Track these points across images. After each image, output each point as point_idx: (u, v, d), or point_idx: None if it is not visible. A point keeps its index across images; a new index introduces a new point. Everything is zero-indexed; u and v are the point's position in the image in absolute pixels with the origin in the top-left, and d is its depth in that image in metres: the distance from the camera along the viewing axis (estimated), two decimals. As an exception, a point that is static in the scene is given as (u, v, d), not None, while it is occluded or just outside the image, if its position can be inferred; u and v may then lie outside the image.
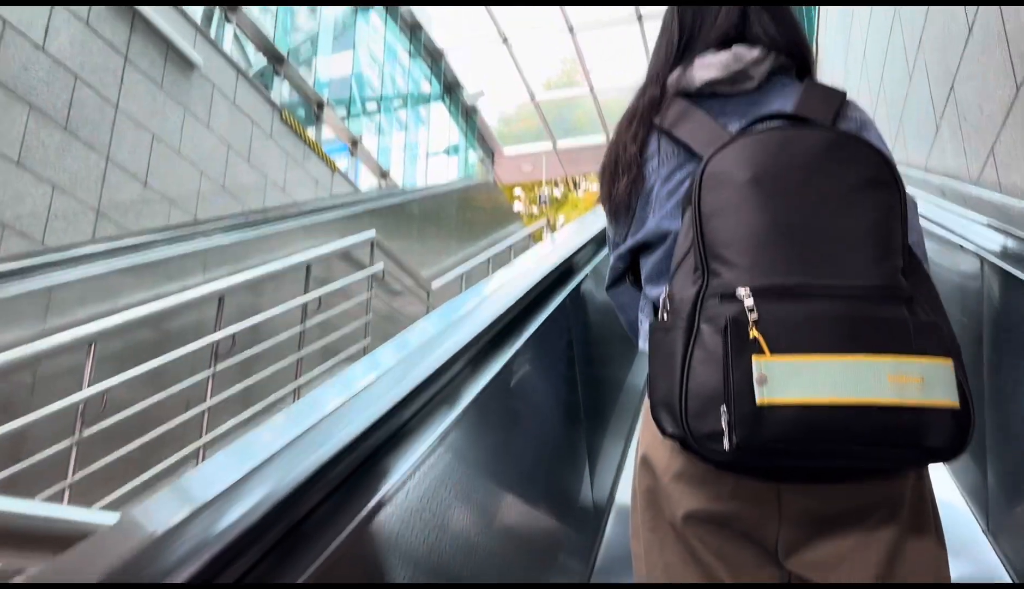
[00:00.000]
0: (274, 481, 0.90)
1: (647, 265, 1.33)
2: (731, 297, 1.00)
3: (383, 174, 11.16)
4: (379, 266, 6.15)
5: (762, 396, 0.92)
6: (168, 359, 3.85)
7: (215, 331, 4.20)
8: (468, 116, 15.75)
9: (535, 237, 11.84)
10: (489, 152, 17.28)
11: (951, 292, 2.38)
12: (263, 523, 0.85)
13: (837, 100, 1.28)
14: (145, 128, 6.18)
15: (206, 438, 3.97)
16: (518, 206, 27.75)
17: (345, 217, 6.82)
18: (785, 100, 1.30)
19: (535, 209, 22.12)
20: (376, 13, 12.01)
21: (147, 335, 4.24)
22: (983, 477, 2.08)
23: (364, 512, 1.04)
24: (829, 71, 7.39)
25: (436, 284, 7.48)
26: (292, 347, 5.00)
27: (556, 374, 2.19)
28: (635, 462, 1.26)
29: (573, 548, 2.10)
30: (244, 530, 0.82)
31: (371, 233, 6.25)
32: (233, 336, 4.20)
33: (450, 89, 14.91)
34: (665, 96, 1.37)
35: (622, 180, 1.35)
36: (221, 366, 4.17)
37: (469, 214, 9.60)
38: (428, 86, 14.00)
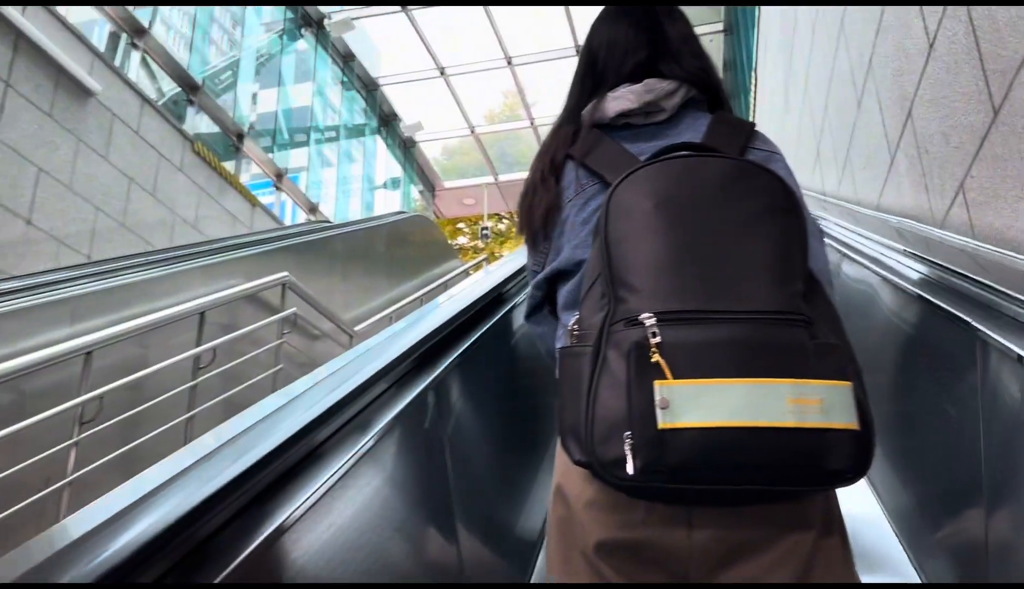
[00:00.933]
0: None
1: (563, 293, 1.34)
2: (636, 322, 1.01)
3: (312, 208, 10.63)
4: (291, 310, 5.61)
5: (663, 420, 0.94)
6: (18, 428, 3.27)
7: (80, 393, 3.62)
8: (406, 148, 15.31)
9: (475, 273, 11.41)
10: (430, 185, 16.85)
11: (859, 308, 2.50)
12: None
13: (745, 131, 1.34)
14: (29, 160, 5.59)
15: (67, 518, 3.37)
16: (463, 240, 27.38)
17: (258, 255, 6.27)
18: (695, 131, 1.34)
19: (480, 243, 21.72)
20: (306, 41, 11.54)
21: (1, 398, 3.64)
22: (904, 495, 2.11)
23: (264, 536, 0.97)
24: (768, 105, 7.13)
25: (361, 327, 6.97)
26: (184, 404, 4.43)
27: (485, 403, 2.15)
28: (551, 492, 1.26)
29: (504, 579, 2.03)
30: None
31: (283, 274, 5.71)
32: (101, 397, 3.63)
33: (387, 121, 14.47)
34: (580, 128, 1.40)
35: (538, 210, 1.38)
36: (87, 433, 3.58)
37: (401, 250, 9.10)
38: (363, 117, 13.54)
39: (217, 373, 4.73)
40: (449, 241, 24.55)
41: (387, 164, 14.59)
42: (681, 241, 1.05)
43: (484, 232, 16.58)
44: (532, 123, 14.99)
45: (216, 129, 8.82)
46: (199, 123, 8.38)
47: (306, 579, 1.06)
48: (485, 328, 2.17)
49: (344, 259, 7.91)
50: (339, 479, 1.18)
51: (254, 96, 9.68)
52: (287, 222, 9.69)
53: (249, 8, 9.76)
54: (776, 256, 1.05)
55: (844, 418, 0.95)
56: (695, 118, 1.37)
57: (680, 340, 0.98)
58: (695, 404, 0.94)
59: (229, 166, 8.86)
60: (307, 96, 11.20)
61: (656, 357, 0.96)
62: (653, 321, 0.99)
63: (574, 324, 1.15)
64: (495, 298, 2.41)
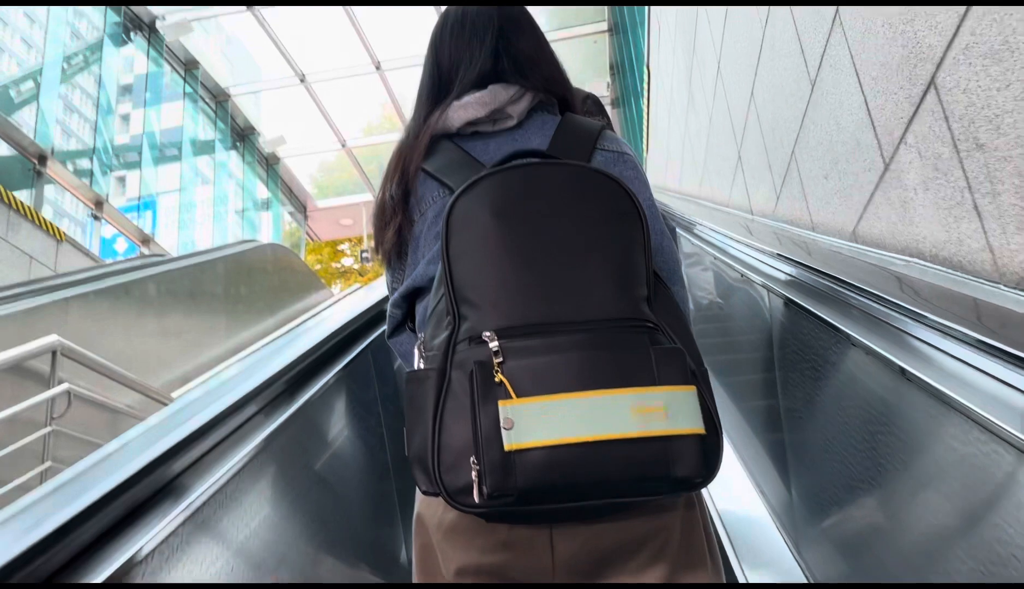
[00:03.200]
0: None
1: (419, 311, 1.30)
2: (479, 340, 0.99)
3: (144, 240, 9.06)
4: (62, 388, 4.19)
5: (509, 441, 0.92)
6: None
7: None
8: (269, 166, 13.80)
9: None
10: (300, 206, 15.35)
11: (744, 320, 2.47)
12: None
13: (592, 134, 1.32)
14: None
15: None
16: (349, 261, 25.70)
17: (34, 310, 4.81)
18: (544, 136, 1.33)
19: (365, 265, 20.22)
20: (136, 45, 9.95)
21: None
22: (787, 493, 2.06)
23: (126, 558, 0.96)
24: (667, 104, 6.15)
25: (181, 391, 5.57)
26: None
27: (360, 427, 2.01)
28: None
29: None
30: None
31: (51, 339, 4.28)
32: None
33: (243, 135, 12.93)
34: (427, 138, 1.34)
35: (390, 227, 1.34)
36: None
37: (249, 286, 7.69)
38: (212, 132, 11.97)
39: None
40: (331, 265, 23.04)
41: (248, 184, 13.03)
42: (521, 253, 1.04)
43: (364, 255, 15.22)
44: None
45: (7, 151, 7.22)
46: (-24, 144, 6.78)
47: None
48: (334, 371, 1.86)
49: (168, 304, 6.47)
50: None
51: (62, 110, 8.08)
52: (114, 259, 8.13)
53: (53, 7, 8.17)
54: (617, 262, 1.05)
55: (688, 424, 0.96)
56: (543, 122, 1.35)
57: (522, 356, 0.97)
58: (539, 422, 0.93)
59: (26, 195, 7.27)
60: (138, 109, 9.62)
61: (499, 376, 0.95)
62: (495, 339, 0.98)
63: (419, 345, 1.11)
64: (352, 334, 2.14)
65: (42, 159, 7.49)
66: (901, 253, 1.74)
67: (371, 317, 2.34)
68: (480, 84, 1.35)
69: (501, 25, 1.41)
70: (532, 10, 1.52)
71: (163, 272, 6.65)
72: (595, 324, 0.99)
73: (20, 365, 4.30)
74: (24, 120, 7.50)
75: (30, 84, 7.83)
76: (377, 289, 2.65)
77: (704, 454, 0.96)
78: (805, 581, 1.93)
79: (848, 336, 1.46)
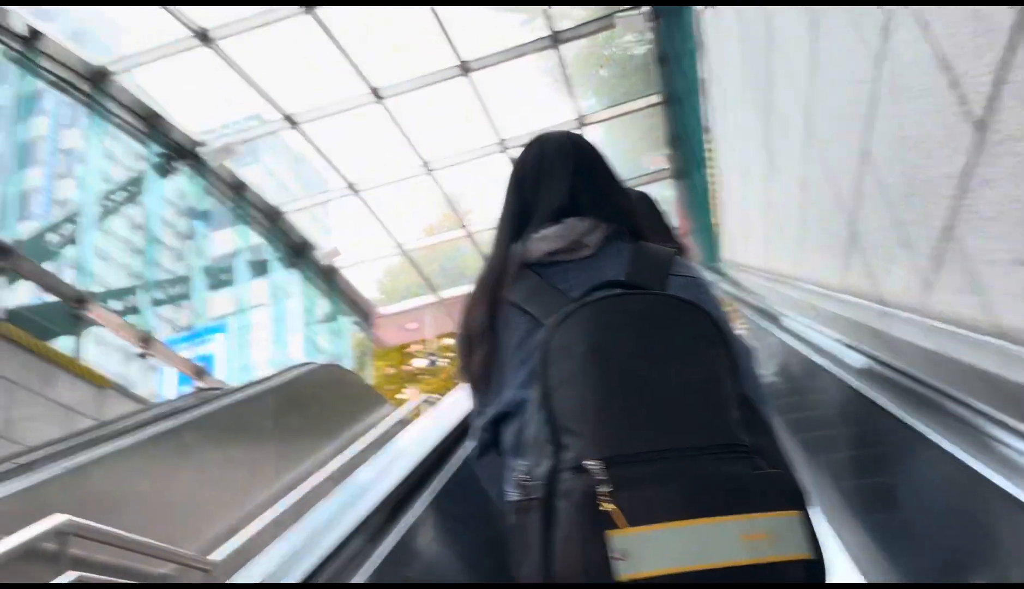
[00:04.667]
0: None
1: (507, 436, 1.31)
2: (582, 470, 1.00)
3: (198, 372, 8.66)
4: (69, 578, 3.59)
5: (621, 572, 0.93)
6: None
7: None
8: (328, 279, 13.49)
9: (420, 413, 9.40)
10: (363, 315, 14.98)
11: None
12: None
13: (665, 261, 1.40)
14: None
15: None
16: (422, 361, 25.09)
17: (40, 484, 4.28)
18: (620, 265, 1.39)
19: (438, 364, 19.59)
20: (182, 175, 9.81)
21: None
22: (886, 565, 1.91)
23: None
24: (741, 173, 5.45)
25: (224, 553, 4.94)
26: None
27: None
28: None
29: None
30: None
31: (59, 520, 3.70)
32: None
33: (299, 251, 12.67)
34: (510, 267, 1.42)
35: (476, 353, 1.40)
36: None
37: (299, 416, 7.14)
38: (267, 252, 11.72)
39: None
40: (401, 368, 22.60)
41: (307, 301, 12.72)
42: (617, 382, 1.07)
43: (432, 358, 14.69)
44: (469, 232, 13.33)
45: (45, 297, 6.94)
46: (7, 296, 6.49)
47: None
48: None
49: (210, 446, 5.93)
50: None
51: (106, 248, 7.84)
52: (169, 396, 7.72)
53: (92, 142, 8.04)
54: (710, 387, 1.08)
55: (795, 549, 0.97)
56: (618, 250, 1.41)
57: (628, 485, 0.97)
58: (650, 552, 0.94)
59: (66, 343, 6.94)
60: (186, 238, 9.38)
61: (606, 505, 0.96)
62: (599, 467, 0.99)
63: (522, 475, 1.11)
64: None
65: (80, 301, 7.19)
66: None
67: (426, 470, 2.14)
68: (557, 217, 1.44)
69: (576, 165, 1.52)
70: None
71: (205, 414, 6.13)
72: (696, 450, 1.01)
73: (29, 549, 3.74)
74: (63, 264, 7.26)
75: (69, 226, 7.62)
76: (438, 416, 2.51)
77: (810, 575, 0.96)
78: None
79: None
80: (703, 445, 1.01)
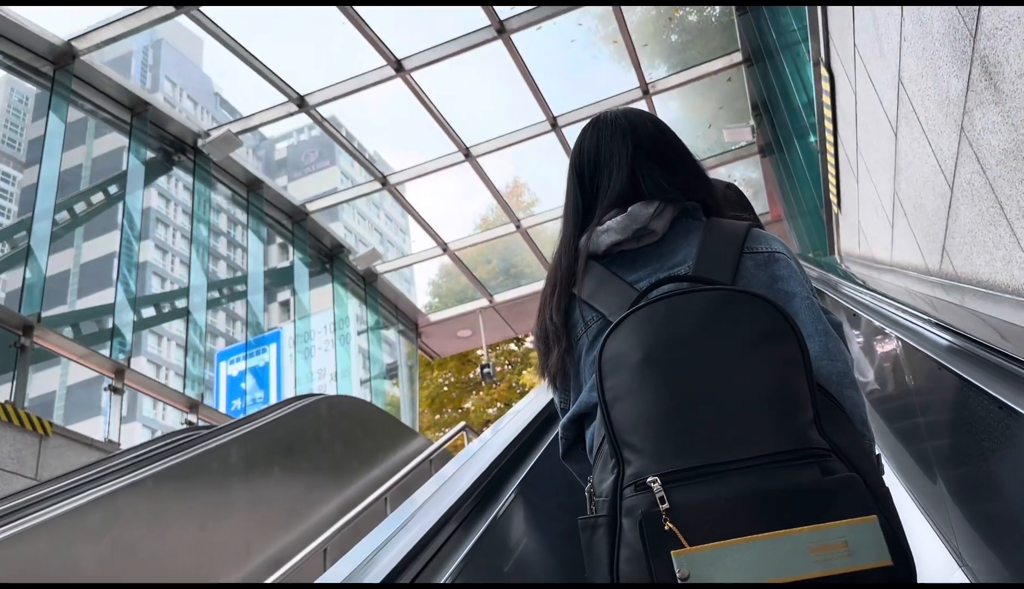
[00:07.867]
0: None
1: (588, 436, 1.30)
2: (644, 487, 0.98)
3: (191, 405, 7.23)
4: None
5: None
6: None
7: None
8: (367, 285, 12.04)
9: (458, 446, 7.80)
10: (410, 323, 13.48)
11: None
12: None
13: (739, 237, 1.31)
14: None
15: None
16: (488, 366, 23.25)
17: None
18: (689, 247, 1.33)
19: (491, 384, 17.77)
20: (179, 170, 8.43)
21: None
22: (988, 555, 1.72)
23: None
24: (874, 130, 3.65)
25: None
26: None
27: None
28: None
29: None
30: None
31: None
32: None
33: (331, 255, 11.23)
34: (579, 260, 1.39)
35: (553, 352, 1.38)
36: None
37: (307, 458, 5.63)
38: (290, 257, 10.29)
39: None
40: (462, 378, 20.92)
41: (346, 313, 11.26)
42: (674, 392, 1.04)
43: (486, 370, 13.11)
44: (519, 226, 11.69)
45: (-23, 327, 5.57)
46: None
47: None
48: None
49: (174, 517, 4.45)
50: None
51: (67, 262, 6.47)
52: (135, 438, 6.31)
53: (52, 125, 6.69)
54: (776, 388, 1.03)
55: (873, 557, 0.91)
56: (688, 231, 1.35)
57: (690, 502, 0.95)
58: (715, 570, 0.90)
59: (5, 380, 5.58)
60: (182, 243, 7.97)
61: (669, 525, 0.94)
62: (659, 485, 0.97)
63: (589, 489, 1.12)
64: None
65: (27, 329, 5.80)
66: None
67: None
68: (621, 203, 1.38)
69: (635, 146, 1.43)
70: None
71: (166, 468, 4.66)
72: (760, 460, 0.97)
73: None
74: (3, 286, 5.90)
75: (21, 236, 6.26)
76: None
77: (893, 580, 0.91)
78: None
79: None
80: (768, 453, 0.96)
